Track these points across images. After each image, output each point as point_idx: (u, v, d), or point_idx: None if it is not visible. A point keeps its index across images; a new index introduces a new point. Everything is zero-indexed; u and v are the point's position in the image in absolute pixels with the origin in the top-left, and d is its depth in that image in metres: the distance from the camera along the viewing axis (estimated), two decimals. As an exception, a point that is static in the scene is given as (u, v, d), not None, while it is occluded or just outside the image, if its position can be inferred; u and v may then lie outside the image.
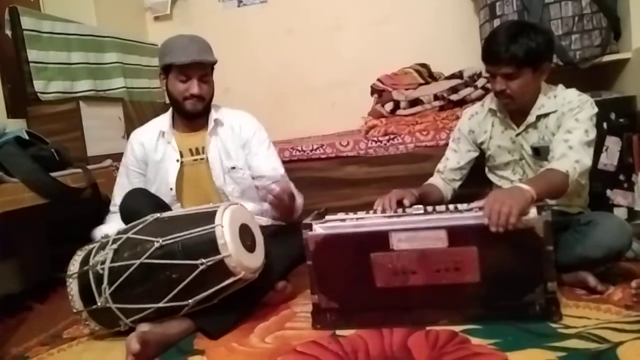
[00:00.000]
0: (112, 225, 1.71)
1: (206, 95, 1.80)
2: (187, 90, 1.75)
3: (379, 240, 1.38)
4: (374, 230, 1.41)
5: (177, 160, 1.81)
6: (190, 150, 1.84)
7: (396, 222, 1.42)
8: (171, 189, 1.80)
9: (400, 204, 1.54)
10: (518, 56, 1.51)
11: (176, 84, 1.76)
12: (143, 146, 1.86)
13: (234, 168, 1.84)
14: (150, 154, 1.85)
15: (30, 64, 2.26)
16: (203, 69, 1.76)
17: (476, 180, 1.84)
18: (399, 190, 1.58)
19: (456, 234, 1.34)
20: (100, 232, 1.73)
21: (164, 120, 1.88)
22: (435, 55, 2.72)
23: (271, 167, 1.86)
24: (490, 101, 1.75)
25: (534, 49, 1.51)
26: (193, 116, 1.82)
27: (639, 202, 1.71)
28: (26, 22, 2.25)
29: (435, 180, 1.83)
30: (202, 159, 1.83)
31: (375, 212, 1.52)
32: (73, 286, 1.53)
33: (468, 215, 1.39)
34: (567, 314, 1.35)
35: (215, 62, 1.80)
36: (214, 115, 1.85)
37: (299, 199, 1.80)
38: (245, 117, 1.91)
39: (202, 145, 1.84)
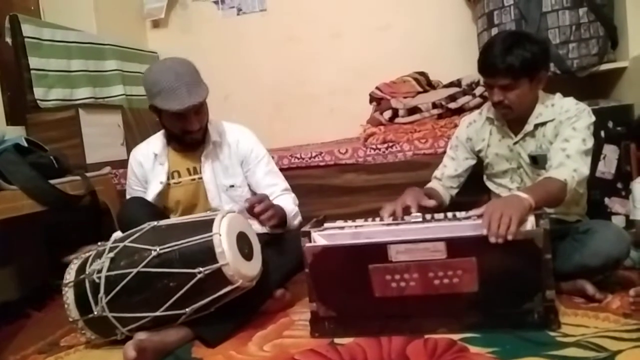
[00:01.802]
0: None
1: (204, 124, 1.75)
2: (184, 127, 1.69)
3: (377, 252, 1.38)
4: (372, 243, 1.40)
5: (161, 183, 1.79)
6: (188, 169, 1.82)
7: (394, 231, 1.42)
8: None
9: (407, 210, 1.54)
10: (514, 67, 1.51)
11: (172, 123, 1.70)
12: (142, 166, 1.85)
13: (232, 186, 1.82)
14: (149, 174, 1.83)
15: (31, 72, 2.28)
16: (197, 105, 1.66)
17: (474, 188, 1.85)
18: (413, 195, 1.57)
19: (455, 246, 1.34)
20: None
21: (157, 142, 1.84)
22: (433, 63, 2.74)
23: (271, 183, 1.84)
24: (488, 109, 1.75)
25: (529, 59, 1.52)
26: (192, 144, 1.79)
27: (633, 212, 1.71)
28: (27, 29, 2.27)
29: (435, 185, 1.84)
30: (199, 178, 1.81)
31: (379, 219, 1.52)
32: (69, 295, 1.52)
33: (466, 224, 1.40)
34: (565, 322, 1.35)
35: (207, 93, 1.69)
36: (211, 137, 1.80)
37: (292, 210, 1.78)
38: (242, 132, 1.88)
39: (199, 165, 1.81)
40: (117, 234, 1.64)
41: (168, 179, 1.80)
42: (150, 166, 1.83)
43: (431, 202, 1.55)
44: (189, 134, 1.72)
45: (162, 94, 1.63)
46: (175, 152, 1.84)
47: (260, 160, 1.85)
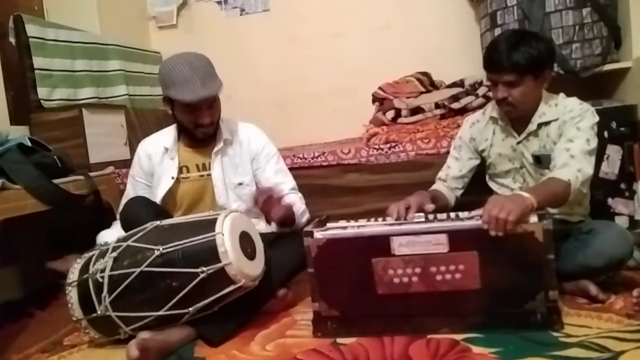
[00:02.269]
0: (117, 230, 1.71)
1: (216, 119, 1.76)
2: (196, 120, 1.70)
3: (380, 244, 1.38)
4: (375, 235, 1.41)
5: (172, 178, 1.80)
6: (197, 165, 1.83)
7: (397, 230, 1.42)
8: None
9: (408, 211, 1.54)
10: (520, 63, 1.52)
11: (184, 115, 1.72)
12: (150, 158, 1.85)
13: (240, 184, 1.83)
14: (156, 167, 1.84)
15: (35, 71, 2.28)
16: (210, 98, 1.69)
17: (477, 188, 1.84)
18: (418, 198, 1.56)
19: (457, 238, 1.35)
20: (103, 237, 1.73)
21: (169, 136, 1.85)
22: (436, 63, 2.74)
23: (279, 182, 1.85)
24: (491, 109, 1.75)
25: (535, 56, 1.52)
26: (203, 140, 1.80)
27: (638, 212, 1.70)
28: (31, 29, 2.28)
29: (439, 187, 1.83)
30: (208, 175, 1.82)
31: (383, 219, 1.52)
32: (72, 294, 1.53)
33: (469, 223, 1.39)
34: (568, 322, 1.35)
35: (221, 87, 1.72)
36: (223, 134, 1.81)
37: (300, 208, 1.80)
38: (254, 130, 1.90)
39: (209, 162, 1.82)
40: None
41: (178, 173, 1.81)
42: (159, 160, 1.84)
43: (430, 207, 1.53)
44: (201, 127, 1.73)
45: (176, 85, 1.65)
46: (185, 148, 1.84)
47: (271, 158, 1.87)
